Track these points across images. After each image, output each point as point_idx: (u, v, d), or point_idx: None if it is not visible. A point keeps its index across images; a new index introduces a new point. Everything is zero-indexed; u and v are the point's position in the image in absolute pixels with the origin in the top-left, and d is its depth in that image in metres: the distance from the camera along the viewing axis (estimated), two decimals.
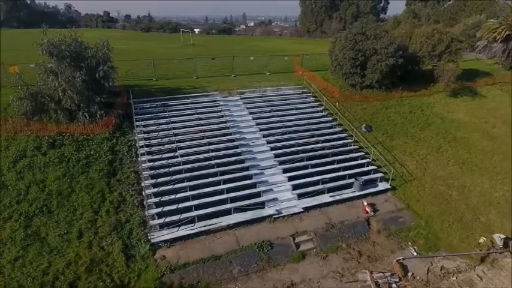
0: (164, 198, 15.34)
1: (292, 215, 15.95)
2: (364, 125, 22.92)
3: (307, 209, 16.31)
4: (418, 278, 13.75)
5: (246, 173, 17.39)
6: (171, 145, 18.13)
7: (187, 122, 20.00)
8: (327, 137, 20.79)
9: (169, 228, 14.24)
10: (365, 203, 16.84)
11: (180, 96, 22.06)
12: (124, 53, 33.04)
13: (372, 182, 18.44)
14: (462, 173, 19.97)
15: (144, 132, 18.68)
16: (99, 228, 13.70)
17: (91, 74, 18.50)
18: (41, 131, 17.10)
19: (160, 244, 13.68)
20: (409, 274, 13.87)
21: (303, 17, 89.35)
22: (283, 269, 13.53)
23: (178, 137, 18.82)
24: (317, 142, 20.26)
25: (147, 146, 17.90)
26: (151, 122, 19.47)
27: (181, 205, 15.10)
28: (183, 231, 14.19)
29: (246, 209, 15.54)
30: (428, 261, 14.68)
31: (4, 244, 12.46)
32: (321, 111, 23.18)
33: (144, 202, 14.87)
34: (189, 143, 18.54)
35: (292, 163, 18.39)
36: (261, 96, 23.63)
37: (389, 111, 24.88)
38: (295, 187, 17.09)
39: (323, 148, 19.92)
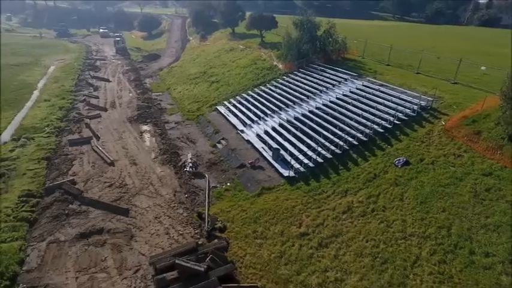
0: (246, 104, 28.63)
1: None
2: (403, 158, 17.41)
3: (242, 131, 23.65)
4: None
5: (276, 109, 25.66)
6: (275, 90, 28.60)
7: (303, 83, 27.94)
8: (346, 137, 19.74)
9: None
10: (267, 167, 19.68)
11: (338, 69, 28.29)
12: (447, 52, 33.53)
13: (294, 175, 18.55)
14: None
15: (290, 78, 29.78)
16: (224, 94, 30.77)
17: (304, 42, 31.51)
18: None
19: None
20: None
21: None
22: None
23: (282, 87, 28.47)
24: (334, 134, 20.33)
25: (279, 83, 29.57)
26: (299, 75, 29.62)
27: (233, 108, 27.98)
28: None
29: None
30: None
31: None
32: (390, 125, 19.59)
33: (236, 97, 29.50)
34: (276, 90, 28.21)
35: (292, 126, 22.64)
36: (377, 88, 23.43)
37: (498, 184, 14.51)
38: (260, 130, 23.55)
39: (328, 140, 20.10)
